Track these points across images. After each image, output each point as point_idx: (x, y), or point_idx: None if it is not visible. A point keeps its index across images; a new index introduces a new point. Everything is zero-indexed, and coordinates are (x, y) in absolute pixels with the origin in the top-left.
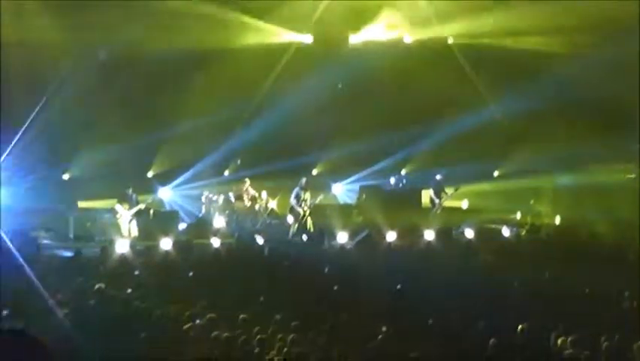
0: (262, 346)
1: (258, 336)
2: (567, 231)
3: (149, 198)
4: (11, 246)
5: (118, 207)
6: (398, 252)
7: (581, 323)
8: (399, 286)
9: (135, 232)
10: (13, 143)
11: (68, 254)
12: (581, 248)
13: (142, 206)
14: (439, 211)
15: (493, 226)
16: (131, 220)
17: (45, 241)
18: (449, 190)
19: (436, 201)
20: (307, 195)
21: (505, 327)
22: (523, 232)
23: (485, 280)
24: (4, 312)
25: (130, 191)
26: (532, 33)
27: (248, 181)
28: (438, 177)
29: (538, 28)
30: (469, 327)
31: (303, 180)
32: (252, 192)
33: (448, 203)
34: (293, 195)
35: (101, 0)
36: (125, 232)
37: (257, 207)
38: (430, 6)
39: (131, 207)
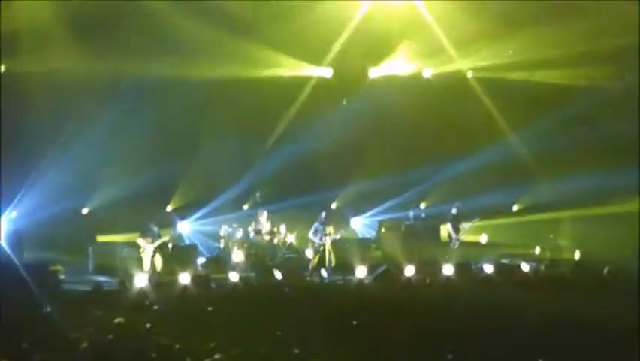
0: None
1: None
2: (587, 266)
3: (170, 232)
4: (31, 280)
5: (140, 241)
6: (416, 287)
7: (600, 357)
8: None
9: (159, 266)
10: (33, 176)
11: (87, 288)
12: (601, 283)
13: (165, 239)
14: (457, 246)
15: (512, 261)
16: (154, 255)
17: (64, 275)
18: (467, 224)
19: (454, 235)
20: (330, 230)
21: None
22: (542, 268)
23: (504, 316)
24: (24, 345)
25: (153, 225)
26: (551, 66)
27: (265, 213)
28: (454, 210)
29: (558, 61)
30: None
31: (323, 214)
32: (269, 225)
33: (466, 237)
34: (312, 230)
35: (122, 31)
36: (147, 266)
37: (275, 241)
38: (450, 40)
39: (153, 242)
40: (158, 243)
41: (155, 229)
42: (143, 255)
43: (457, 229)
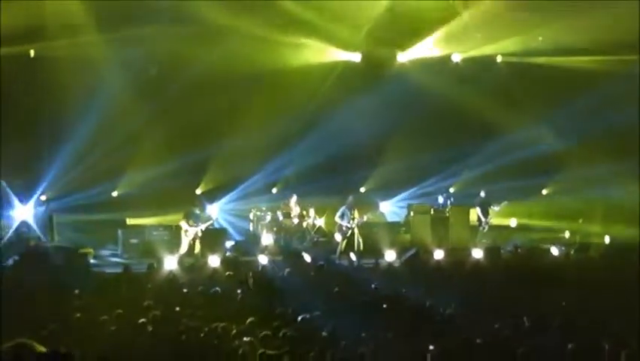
0: None
1: (310, 353)
2: (617, 250)
3: (209, 217)
4: (61, 262)
5: (184, 224)
6: (446, 270)
7: (630, 341)
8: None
9: (197, 250)
10: (63, 159)
11: (117, 271)
12: (629, 268)
13: (209, 223)
14: (486, 229)
15: (542, 244)
16: (195, 238)
17: (94, 258)
18: (496, 207)
19: (483, 219)
20: (356, 214)
21: (554, 346)
22: (572, 251)
23: (533, 299)
24: (53, 327)
25: (197, 210)
26: (581, 51)
27: (295, 197)
28: (482, 193)
29: (587, 47)
30: (518, 346)
31: (350, 198)
32: (298, 208)
33: (496, 221)
34: (339, 213)
35: (151, 17)
36: (185, 248)
37: (304, 224)
38: (478, 24)
39: (196, 225)
40: (204, 225)
41: (198, 212)
42: (184, 237)
43: (486, 213)
